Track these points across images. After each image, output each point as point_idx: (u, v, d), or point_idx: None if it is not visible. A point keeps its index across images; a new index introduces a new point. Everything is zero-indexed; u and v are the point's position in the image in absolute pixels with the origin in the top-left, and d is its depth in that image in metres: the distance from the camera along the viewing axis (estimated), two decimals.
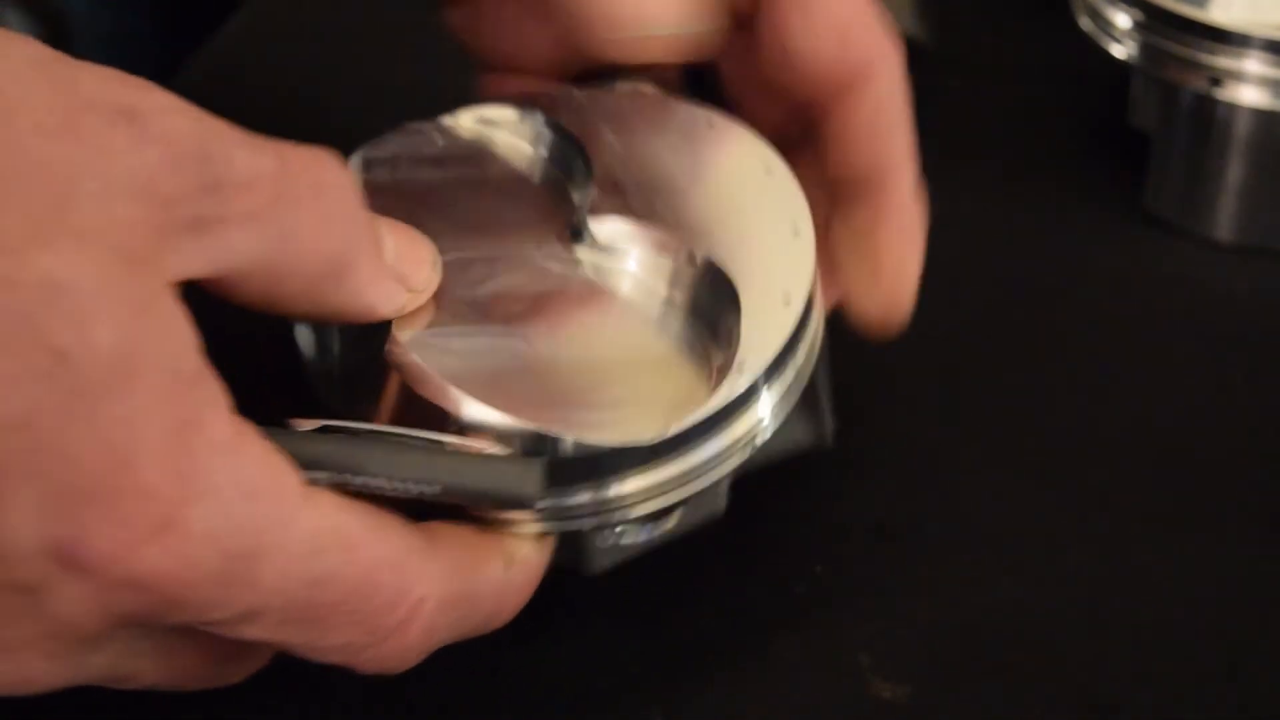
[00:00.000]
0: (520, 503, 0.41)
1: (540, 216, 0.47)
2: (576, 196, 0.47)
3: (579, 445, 0.42)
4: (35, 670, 0.37)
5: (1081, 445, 0.53)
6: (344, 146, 0.48)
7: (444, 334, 0.43)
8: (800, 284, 0.45)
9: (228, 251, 0.37)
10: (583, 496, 0.42)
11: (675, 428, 0.43)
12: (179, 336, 0.36)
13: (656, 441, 0.42)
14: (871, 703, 0.46)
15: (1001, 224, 0.62)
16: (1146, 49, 0.60)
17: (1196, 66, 0.59)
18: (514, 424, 0.41)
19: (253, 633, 0.38)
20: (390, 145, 0.48)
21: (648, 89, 0.50)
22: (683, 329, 0.45)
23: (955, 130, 0.67)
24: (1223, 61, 0.59)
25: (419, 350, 0.42)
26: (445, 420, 0.42)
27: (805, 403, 0.46)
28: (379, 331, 0.43)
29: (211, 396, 0.37)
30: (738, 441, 0.44)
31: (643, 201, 0.47)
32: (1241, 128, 0.60)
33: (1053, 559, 0.50)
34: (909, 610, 0.48)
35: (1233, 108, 0.59)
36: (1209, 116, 0.60)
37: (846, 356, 0.48)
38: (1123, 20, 0.61)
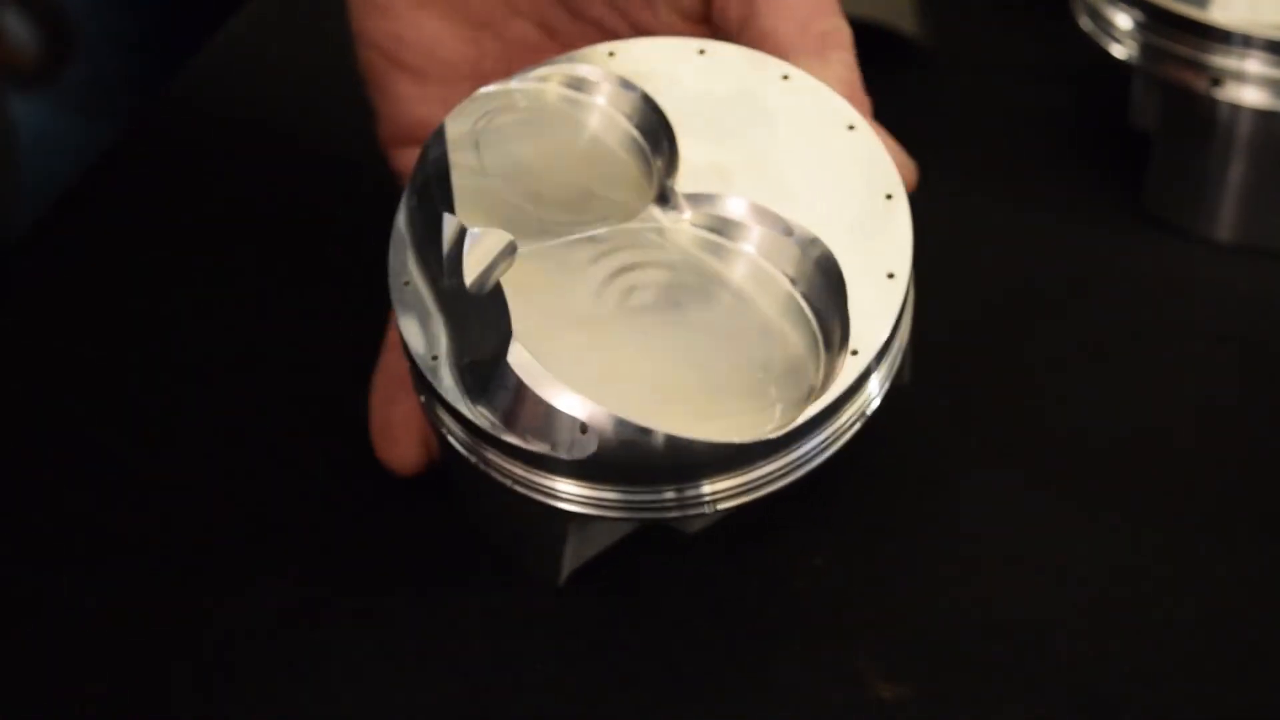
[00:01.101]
0: None
1: (633, 187, 0.47)
2: (664, 167, 0.47)
3: (703, 444, 0.42)
4: None
5: (1081, 445, 0.53)
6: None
7: (562, 335, 0.43)
8: (901, 256, 0.45)
9: None
10: (670, 493, 0.43)
11: (792, 425, 0.43)
12: None
13: (775, 438, 0.43)
14: (871, 703, 0.46)
15: (1002, 224, 0.62)
16: (1146, 49, 0.60)
17: (1196, 66, 0.59)
18: (641, 426, 0.42)
19: None
20: (469, 117, 0.48)
21: (711, 41, 0.49)
22: (788, 310, 0.45)
23: (956, 130, 0.67)
24: (1223, 61, 0.58)
25: (540, 355, 0.42)
26: (572, 424, 0.42)
27: None
28: (493, 327, 0.43)
29: None
30: (848, 420, 0.44)
31: (732, 172, 0.46)
32: (1242, 128, 0.59)
33: (1053, 559, 0.50)
34: (909, 610, 0.48)
35: (1233, 108, 0.59)
36: (1209, 116, 0.60)
37: None
38: (1123, 20, 0.61)
